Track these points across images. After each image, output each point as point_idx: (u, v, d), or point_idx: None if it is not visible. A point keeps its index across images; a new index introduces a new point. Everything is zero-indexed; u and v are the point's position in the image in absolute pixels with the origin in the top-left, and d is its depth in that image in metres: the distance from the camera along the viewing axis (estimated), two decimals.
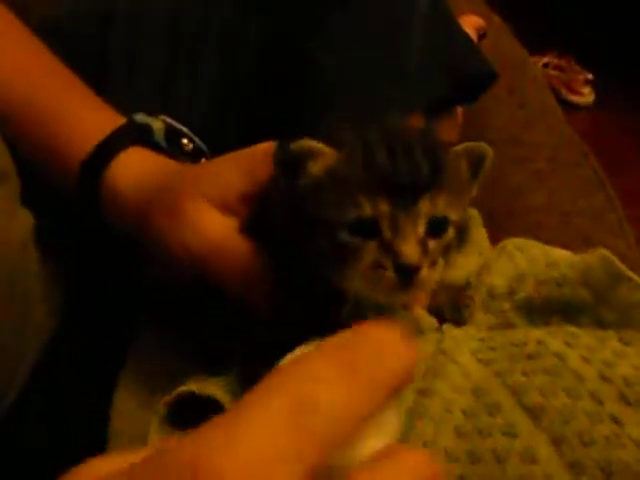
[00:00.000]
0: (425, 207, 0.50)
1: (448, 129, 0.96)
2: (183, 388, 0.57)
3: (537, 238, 0.78)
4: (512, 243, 0.69)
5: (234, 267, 0.58)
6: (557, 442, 0.50)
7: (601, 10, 2.49)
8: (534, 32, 1.55)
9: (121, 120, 0.70)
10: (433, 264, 0.51)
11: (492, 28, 1.11)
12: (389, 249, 0.50)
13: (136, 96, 0.83)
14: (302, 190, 0.52)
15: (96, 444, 0.62)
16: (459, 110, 0.98)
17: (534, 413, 0.52)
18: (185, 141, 0.72)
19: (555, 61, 2.38)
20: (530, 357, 0.55)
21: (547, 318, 0.60)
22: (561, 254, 0.67)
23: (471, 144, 0.54)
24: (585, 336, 0.57)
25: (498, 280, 0.64)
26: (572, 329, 0.58)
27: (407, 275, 0.49)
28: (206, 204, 0.60)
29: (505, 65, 0.99)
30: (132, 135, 0.69)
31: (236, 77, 0.84)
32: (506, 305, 0.62)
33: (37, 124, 0.70)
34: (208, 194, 0.60)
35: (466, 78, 0.91)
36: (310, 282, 0.54)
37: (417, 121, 0.86)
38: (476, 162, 0.54)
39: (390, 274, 0.49)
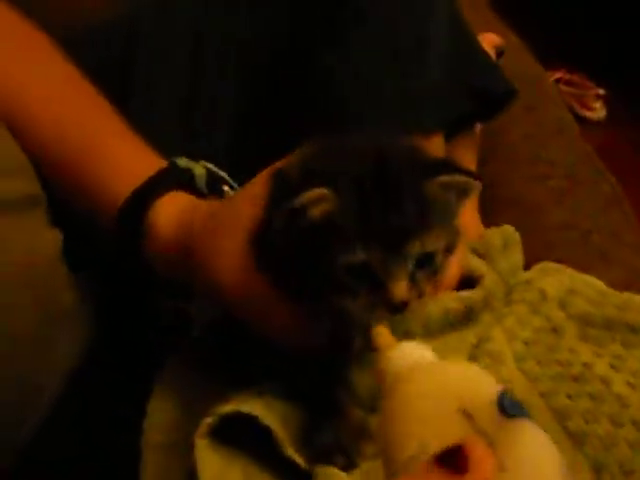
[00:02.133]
0: (414, 248, 0.54)
1: (467, 147, 0.96)
2: (224, 409, 0.57)
3: (557, 256, 0.78)
4: (546, 267, 0.69)
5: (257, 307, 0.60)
6: (598, 469, 0.50)
7: (612, 26, 2.49)
8: (545, 48, 1.55)
9: (162, 162, 0.70)
10: (421, 295, 0.56)
11: (510, 46, 1.11)
12: (380, 287, 0.54)
13: (157, 116, 0.84)
14: (302, 233, 0.56)
15: (129, 457, 0.63)
16: (477, 127, 0.99)
17: (577, 438, 0.52)
18: (226, 188, 0.72)
19: (567, 76, 2.38)
20: (575, 379, 0.56)
21: (601, 337, 0.61)
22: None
23: (460, 178, 0.57)
24: (632, 360, 0.57)
25: (550, 288, 0.65)
26: (620, 351, 0.59)
27: (397, 311, 0.54)
28: (239, 237, 0.60)
29: (522, 82, 0.99)
30: (174, 179, 0.69)
31: (254, 94, 0.85)
32: (560, 313, 0.63)
33: (71, 162, 0.70)
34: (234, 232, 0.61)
35: (485, 96, 0.91)
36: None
37: (436, 139, 0.87)
38: (461, 193, 0.58)
39: (382, 310, 0.54)
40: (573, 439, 0.52)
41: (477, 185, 0.57)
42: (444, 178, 0.56)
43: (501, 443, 0.36)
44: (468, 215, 0.90)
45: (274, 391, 0.60)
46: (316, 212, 0.55)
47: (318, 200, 0.55)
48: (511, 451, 0.36)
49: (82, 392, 0.72)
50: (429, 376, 0.44)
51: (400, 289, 0.54)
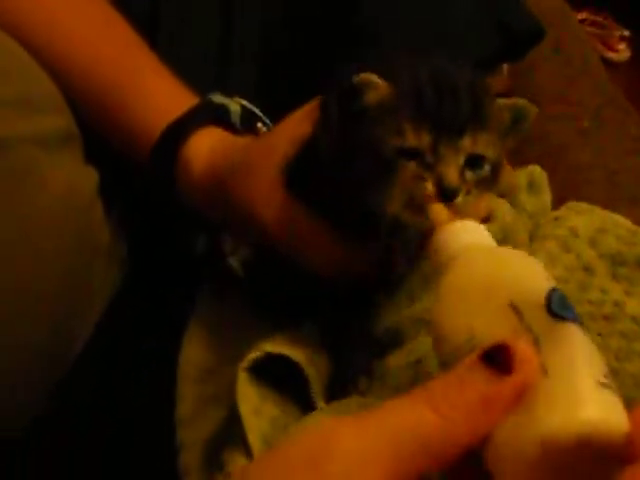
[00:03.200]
0: (466, 143, 0.55)
1: (494, 86, 0.96)
2: (269, 347, 0.58)
3: (582, 196, 0.78)
4: (576, 206, 0.69)
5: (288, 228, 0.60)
6: (629, 406, 0.51)
7: None
8: None
9: (197, 99, 0.70)
10: (468, 192, 0.55)
11: None
12: (431, 168, 0.54)
13: (187, 53, 0.84)
14: (355, 117, 0.56)
15: (163, 405, 0.64)
16: (505, 67, 0.98)
17: None
18: (259, 124, 0.72)
19: (591, 17, 2.35)
20: (606, 318, 0.56)
21: (632, 275, 0.61)
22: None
23: (519, 101, 0.58)
24: None
25: (580, 226, 0.65)
26: None
27: (446, 197, 0.54)
28: (276, 168, 0.60)
29: (550, 23, 0.98)
30: (209, 114, 0.69)
31: (283, 29, 0.84)
32: (591, 252, 0.63)
33: (108, 97, 0.71)
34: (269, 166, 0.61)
35: (514, 35, 0.91)
36: (350, 209, 0.58)
37: None
38: (519, 117, 0.58)
39: (430, 186, 0.54)
40: None
41: (534, 110, 0.57)
42: (505, 100, 0.57)
43: (546, 345, 0.35)
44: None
45: (310, 333, 0.60)
46: (370, 97, 0.55)
47: (371, 85, 0.55)
48: (555, 355, 0.35)
49: (113, 332, 0.72)
50: (484, 260, 0.43)
51: (451, 172, 0.54)
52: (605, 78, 1.12)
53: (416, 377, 0.54)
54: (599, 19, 2.36)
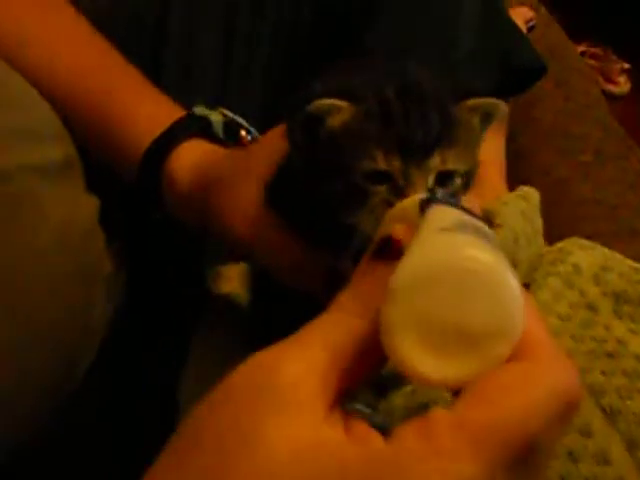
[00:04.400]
0: (435, 163, 0.53)
1: (496, 122, 0.96)
2: None
3: (583, 230, 0.79)
4: (578, 242, 0.70)
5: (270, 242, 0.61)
6: (631, 445, 0.51)
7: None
8: (570, 20, 1.54)
9: (179, 112, 0.71)
10: None
11: (540, 19, 1.11)
12: (399, 193, 0.53)
13: (193, 79, 0.84)
14: (321, 143, 0.55)
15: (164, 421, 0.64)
16: (504, 105, 0.99)
17: (611, 415, 0.53)
18: (243, 133, 0.73)
19: (591, 50, 2.37)
20: (610, 356, 0.56)
21: (636, 313, 0.61)
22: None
23: (486, 100, 0.57)
24: None
25: (583, 262, 0.65)
26: None
27: None
28: (253, 184, 0.62)
29: (552, 57, 0.99)
30: (192, 127, 0.70)
31: (289, 53, 0.85)
32: (594, 289, 0.63)
33: (94, 106, 0.72)
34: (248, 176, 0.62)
35: (515, 70, 0.91)
36: (324, 223, 0.57)
37: None
38: (487, 115, 0.57)
39: None
40: (607, 415, 0.53)
41: (503, 107, 0.57)
42: (472, 101, 0.56)
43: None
44: (496, 181, 0.90)
45: None
46: (334, 122, 0.54)
47: (334, 109, 0.54)
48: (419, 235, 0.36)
49: (111, 361, 0.72)
50: None
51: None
52: (606, 112, 1.13)
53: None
54: (599, 51, 2.38)
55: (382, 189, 0.53)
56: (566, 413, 0.33)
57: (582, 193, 0.97)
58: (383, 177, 0.53)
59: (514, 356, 0.34)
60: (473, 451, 0.31)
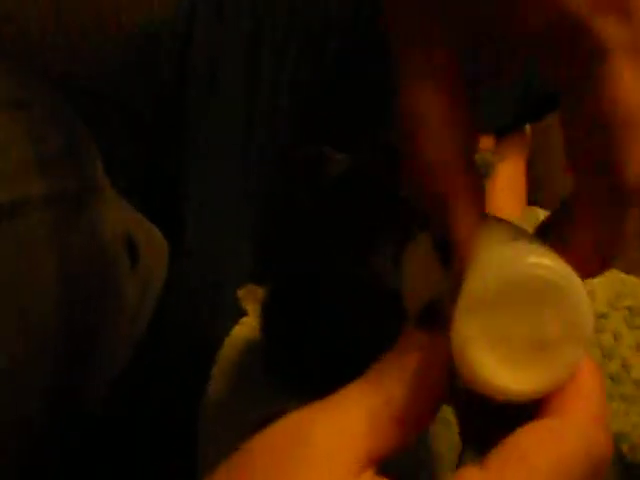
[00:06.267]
0: None
1: (516, 146, 0.97)
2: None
3: None
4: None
5: None
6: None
7: None
8: None
9: None
10: None
11: None
12: None
13: (217, 109, 0.85)
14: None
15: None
16: (527, 128, 0.99)
17: None
18: None
19: None
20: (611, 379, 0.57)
21: None
22: None
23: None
24: None
25: (597, 286, 0.65)
26: None
27: None
28: None
29: None
30: None
31: (317, 83, 0.85)
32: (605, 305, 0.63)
33: None
34: None
35: (535, 96, 0.91)
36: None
37: (486, 141, 0.87)
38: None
39: None
40: None
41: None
42: None
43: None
44: (504, 207, 0.90)
45: None
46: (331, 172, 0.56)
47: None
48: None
49: (129, 388, 0.72)
50: None
51: None
52: None
53: None
54: None
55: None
56: (595, 474, 0.33)
57: None
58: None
59: (551, 408, 0.34)
60: None
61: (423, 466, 0.55)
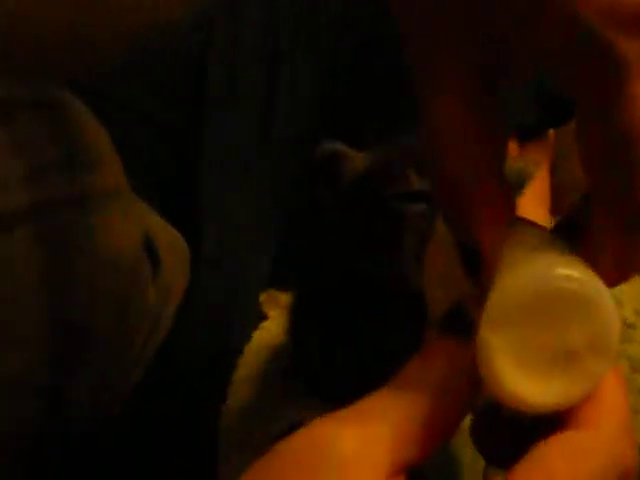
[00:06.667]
0: None
1: (539, 152, 0.96)
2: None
3: None
4: None
5: None
6: None
7: None
8: None
9: None
10: None
11: None
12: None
13: (236, 110, 0.84)
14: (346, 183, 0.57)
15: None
16: (551, 132, 0.99)
17: None
18: None
19: None
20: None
21: None
22: None
23: None
24: None
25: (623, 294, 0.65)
26: None
27: None
28: None
29: None
30: None
31: (333, 85, 0.85)
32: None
33: None
34: None
35: (558, 101, 0.91)
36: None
37: (510, 146, 0.86)
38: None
39: None
40: None
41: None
42: None
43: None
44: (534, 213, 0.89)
45: None
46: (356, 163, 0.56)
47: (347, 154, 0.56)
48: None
49: (149, 394, 0.72)
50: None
51: None
52: None
53: None
54: None
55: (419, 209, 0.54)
56: None
57: None
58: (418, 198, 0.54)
59: (576, 421, 0.34)
60: None
61: (448, 476, 0.55)
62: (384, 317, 0.55)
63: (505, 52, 0.36)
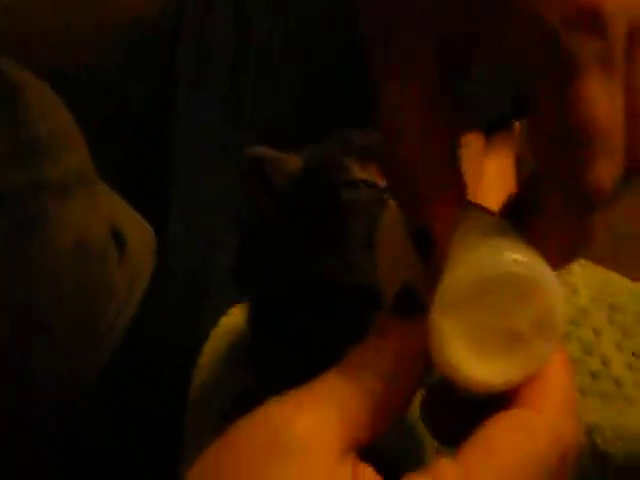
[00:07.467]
0: None
1: (505, 144, 0.97)
2: None
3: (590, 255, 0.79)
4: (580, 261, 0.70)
5: None
6: None
7: None
8: None
9: None
10: None
11: None
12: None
13: (205, 92, 0.84)
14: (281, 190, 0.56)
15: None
16: (517, 125, 0.99)
17: None
18: None
19: None
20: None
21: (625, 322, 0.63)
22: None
23: None
24: None
25: (579, 280, 0.66)
26: None
27: None
28: None
29: None
30: None
31: (315, 80, 0.85)
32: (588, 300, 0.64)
33: None
34: None
35: (524, 94, 0.91)
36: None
37: (476, 139, 0.87)
38: None
39: None
40: None
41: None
42: None
43: None
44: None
45: None
46: (285, 171, 0.56)
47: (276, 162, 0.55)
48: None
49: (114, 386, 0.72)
50: None
51: None
52: None
53: None
54: None
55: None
56: (563, 465, 0.34)
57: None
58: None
59: (521, 400, 0.35)
60: None
61: (406, 454, 0.55)
62: (335, 313, 0.55)
63: (464, 41, 0.37)
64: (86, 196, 0.68)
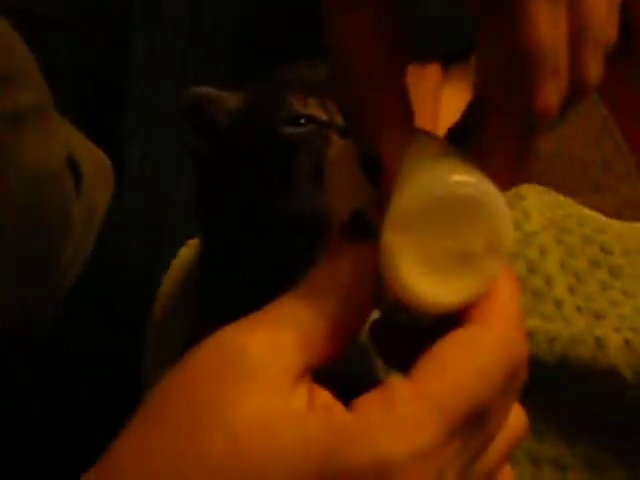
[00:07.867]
0: None
1: (462, 77, 0.97)
2: None
3: (547, 183, 0.80)
4: (535, 187, 0.71)
5: None
6: None
7: None
8: None
9: None
10: None
11: None
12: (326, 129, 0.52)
13: (163, 23, 0.83)
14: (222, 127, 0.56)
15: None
16: (473, 59, 1.00)
17: None
18: None
19: None
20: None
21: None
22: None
23: None
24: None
25: (533, 207, 0.67)
26: None
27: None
28: None
29: None
30: None
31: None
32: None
33: None
34: None
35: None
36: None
37: (433, 68, 0.88)
38: None
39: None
40: None
41: None
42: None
43: None
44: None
45: None
46: (226, 108, 0.55)
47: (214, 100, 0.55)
48: None
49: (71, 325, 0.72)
50: None
51: None
52: None
53: None
54: None
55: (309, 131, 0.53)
56: (514, 378, 0.36)
57: (545, 147, 0.98)
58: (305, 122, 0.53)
59: (471, 318, 0.36)
60: (433, 419, 0.33)
61: (360, 376, 0.57)
62: (286, 242, 0.55)
63: None
64: (43, 127, 0.68)
